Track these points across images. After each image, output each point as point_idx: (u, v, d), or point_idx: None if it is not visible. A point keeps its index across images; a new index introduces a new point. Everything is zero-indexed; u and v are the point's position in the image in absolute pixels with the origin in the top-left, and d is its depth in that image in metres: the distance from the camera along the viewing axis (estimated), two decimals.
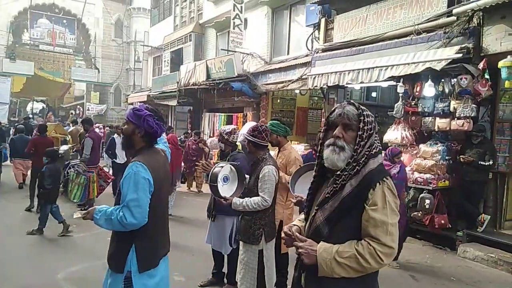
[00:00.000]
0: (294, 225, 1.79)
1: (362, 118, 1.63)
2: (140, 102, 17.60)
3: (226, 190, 3.13)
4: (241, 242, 3.20)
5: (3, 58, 22.97)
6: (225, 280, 4.11)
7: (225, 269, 4.15)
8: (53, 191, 5.73)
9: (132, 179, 2.16)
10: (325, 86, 7.97)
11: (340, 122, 1.65)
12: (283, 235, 1.74)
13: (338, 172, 1.63)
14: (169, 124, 14.25)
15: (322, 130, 1.78)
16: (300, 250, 1.62)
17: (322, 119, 9.47)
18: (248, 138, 3.17)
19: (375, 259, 1.53)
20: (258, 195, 3.03)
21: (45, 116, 25.35)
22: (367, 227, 1.57)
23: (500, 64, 5.11)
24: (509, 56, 5.05)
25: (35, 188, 6.92)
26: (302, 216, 1.87)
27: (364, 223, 1.57)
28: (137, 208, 2.14)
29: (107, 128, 15.07)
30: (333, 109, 1.73)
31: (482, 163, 5.55)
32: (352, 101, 1.72)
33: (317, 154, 1.78)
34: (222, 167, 3.13)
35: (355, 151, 1.62)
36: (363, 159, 1.62)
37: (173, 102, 14.65)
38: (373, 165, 1.63)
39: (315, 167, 1.80)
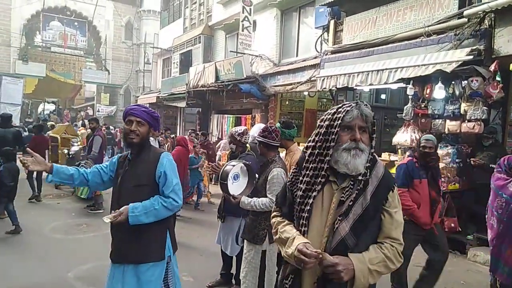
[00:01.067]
0: (306, 242, 1.53)
1: (374, 120, 1.61)
2: (149, 103, 17.80)
3: (236, 188, 3.15)
4: (245, 241, 3.24)
5: (16, 60, 23.42)
6: (233, 281, 4.12)
7: (233, 270, 4.17)
8: (12, 189, 5.83)
9: (171, 167, 2.43)
10: (334, 88, 7.96)
11: (356, 124, 1.57)
12: (303, 257, 1.47)
13: (359, 177, 1.57)
14: (195, 128, 13.43)
15: (334, 133, 1.59)
16: (339, 268, 1.45)
17: None
18: (259, 139, 3.20)
19: (397, 259, 1.58)
20: (265, 196, 3.05)
21: (62, 115, 25.90)
22: (390, 230, 1.58)
23: None
24: None
25: (33, 179, 7.75)
26: (289, 228, 1.66)
27: (387, 226, 1.59)
28: (179, 190, 2.42)
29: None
30: (341, 109, 1.60)
31: (493, 166, 5.48)
32: (362, 101, 1.65)
33: (315, 158, 1.63)
34: (234, 165, 3.17)
35: (371, 154, 1.61)
36: (369, 161, 1.60)
37: (182, 104, 14.76)
38: (381, 167, 1.63)
39: (320, 173, 1.61)
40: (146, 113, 2.42)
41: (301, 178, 1.66)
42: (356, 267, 1.47)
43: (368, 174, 1.58)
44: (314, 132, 1.70)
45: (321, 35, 8.85)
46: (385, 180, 1.60)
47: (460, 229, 5.75)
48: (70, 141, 10.25)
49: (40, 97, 27.87)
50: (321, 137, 1.63)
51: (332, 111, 1.64)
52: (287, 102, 11.00)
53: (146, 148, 2.45)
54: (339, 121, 1.58)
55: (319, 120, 1.70)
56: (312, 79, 8.77)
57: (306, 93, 10.09)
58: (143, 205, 2.28)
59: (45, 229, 5.98)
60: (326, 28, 8.63)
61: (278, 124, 3.87)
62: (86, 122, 13.80)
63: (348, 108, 1.58)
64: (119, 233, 2.37)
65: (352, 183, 1.57)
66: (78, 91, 30.00)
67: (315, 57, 8.97)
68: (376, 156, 1.67)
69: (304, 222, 1.61)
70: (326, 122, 1.63)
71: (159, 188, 2.38)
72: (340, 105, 1.64)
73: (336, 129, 1.58)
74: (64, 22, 25.52)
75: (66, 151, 9.51)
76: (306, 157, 1.67)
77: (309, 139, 1.71)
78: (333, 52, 8.26)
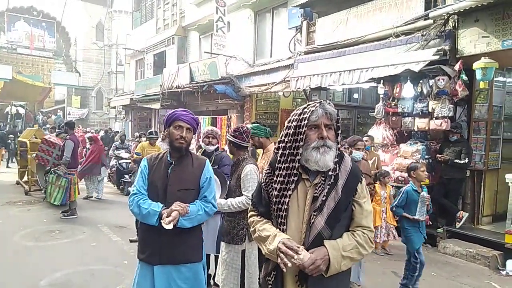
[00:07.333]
0: (288, 239, 1.60)
1: (338, 117, 1.69)
2: (123, 105, 17.42)
3: None
4: (223, 243, 3.23)
5: None
6: (212, 282, 4.12)
7: (211, 271, 4.16)
8: None
9: (212, 174, 2.59)
10: (307, 88, 8.07)
11: (322, 123, 1.63)
12: (287, 249, 1.56)
13: (330, 173, 1.64)
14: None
15: (302, 133, 1.65)
16: (318, 264, 1.54)
17: None
18: (230, 138, 3.23)
19: (369, 245, 1.67)
20: (240, 195, 3.07)
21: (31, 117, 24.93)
22: (360, 219, 1.68)
23: (475, 65, 5.30)
24: (483, 58, 5.25)
25: None
26: (269, 226, 1.73)
27: (358, 216, 1.68)
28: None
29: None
30: (307, 110, 1.66)
31: (457, 161, 5.72)
32: (325, 100, 1.72)
33: (287, 158, 1.69)
34: None
35: (338, 149, 1.68)
36: (337, 156, 1.67)
37: (157, 105, 14.56)
38: (349, 161, 1.72)
39: (292, 172, 1.67)
40: (194, 120, 2.52)
41: (275, 178, 1.72)
42: (331, 255, 1.56)
43: (337, 169, 1.66)
44: (282, 133, 1.76)
45: (294, 36, 8.96)
46: (353, 173, 1.69)
47: (430, 223, 5.97)
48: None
49: (6, 101, 26.73)
50: (290, 137, 1.69)
51: (298, 111, 1.71)
52: (262, 103, 11.06)
53: (187, 152, 2.53)
54: (306, 121, 1.65)
55: (286, 121, 1.76)
56: (287, 79, 8.85)
57: (281, 93, 10.18)
58: (190, 211, 2.38)
59: (15, 236, 5.77)
60: (299, 29, 8.75)
61: (256, 124, 3.91)
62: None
63: (313, 108, 1.65)
64: (162, 235, 2.35)
65: (323, 178, 1.65)
66: (47, 94, 28.90)
67: (289, 58, 9.06)
68: (344, 151, 1.76)
69: (282, 220, 1.67)
70: (294, 123, 1.69)
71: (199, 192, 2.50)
72: (305, 105, 1.71)
73: (304, 128, 1.65)
74: (30, 22, 24.63)
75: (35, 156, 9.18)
76: (278, 158, 1.73)
77: (279, 139, 1.77)
78: (306, 53, 8.38)
